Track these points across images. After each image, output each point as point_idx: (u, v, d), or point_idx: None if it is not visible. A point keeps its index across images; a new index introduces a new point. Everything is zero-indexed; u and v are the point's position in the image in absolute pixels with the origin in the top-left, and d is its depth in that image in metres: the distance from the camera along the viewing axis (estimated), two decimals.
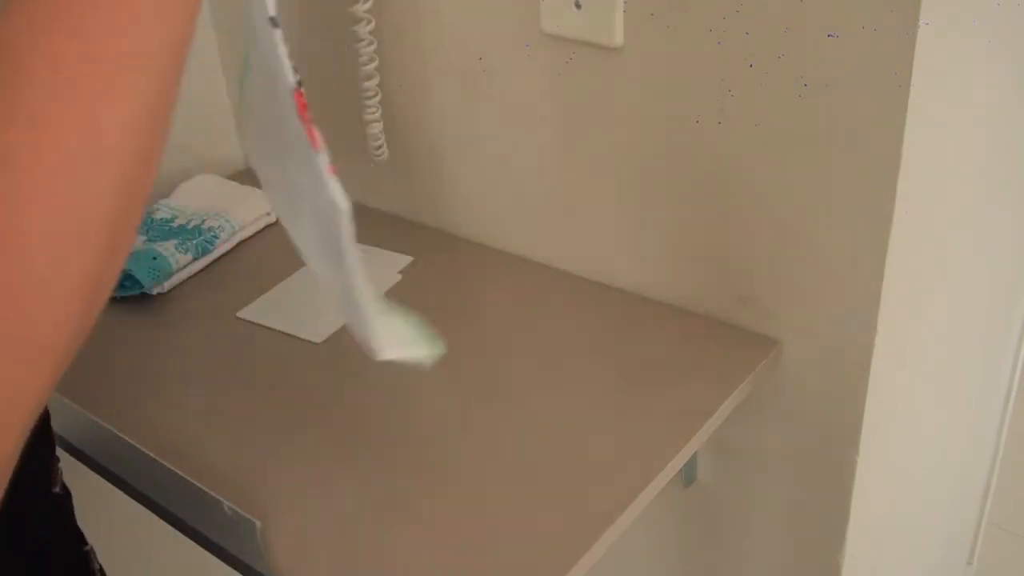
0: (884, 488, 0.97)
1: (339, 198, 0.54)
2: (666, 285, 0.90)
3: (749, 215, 0.81)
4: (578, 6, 0.80)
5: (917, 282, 0.85)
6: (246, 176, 1.18)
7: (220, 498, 0.70)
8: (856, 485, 0.87)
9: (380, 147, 0.98)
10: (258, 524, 0.68)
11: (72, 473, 0.73)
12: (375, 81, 0.94)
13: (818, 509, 0.91)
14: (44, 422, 0.69)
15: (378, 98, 0.95)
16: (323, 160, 0.55)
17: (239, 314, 0.93)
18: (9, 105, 0.35)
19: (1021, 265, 1.19)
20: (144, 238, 1.01)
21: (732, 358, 0.83)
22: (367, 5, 0.90)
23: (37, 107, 0.35)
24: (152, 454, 0.74)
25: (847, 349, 0.81)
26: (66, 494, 0.72)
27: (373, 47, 0.92)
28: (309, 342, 0.88)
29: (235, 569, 0.72)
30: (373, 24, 0.91)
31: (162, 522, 0.77)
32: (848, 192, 0.75)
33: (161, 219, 1.04)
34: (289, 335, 0.90)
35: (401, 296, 0.92)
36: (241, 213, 1.05)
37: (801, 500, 0.92)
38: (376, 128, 0.97)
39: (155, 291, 0.96)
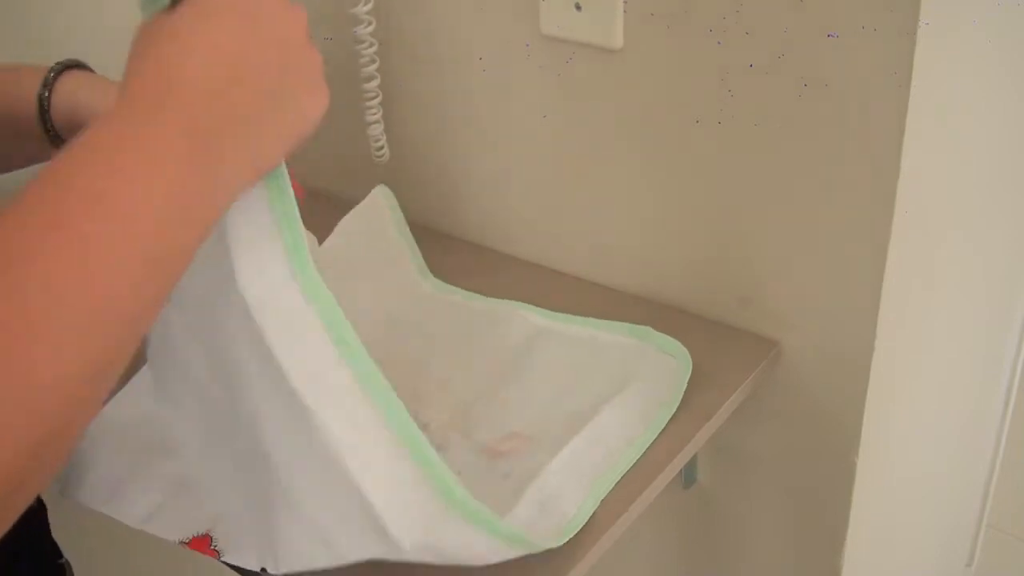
0: (884, 490, 0.97)
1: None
2: (665, 286, 0.89)
3: (749, 215, 0.81)
4: (578, 8, 0.80)
5: (917, 283, 0.85)
6: None
7: None
8: (856, 487, 0.86)
9: (381, 148, 0.98)
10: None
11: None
12: (376, 82, 0.94)
13: (818, 511, 0.91)
14: None
15: (379, 99, 0.95)
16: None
17: None
18: None
19: (1021, 265, 1.19)
20: None
21: (732, 359, 0.82)
22: (368, 7, 0.89)
23: None
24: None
25: (847, 350, 0.80)
26: (40, 507, 0.71)
27: (374, 48, 0.92)
28: None
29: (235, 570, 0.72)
30: (374, 25, 0.91)
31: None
32: (848, 192, 0.74)
33: None
34: None
35: None
36: None
37: (801, 501, 0.91)
38: (377, 129, 0.96)
39: None
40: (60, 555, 0.74)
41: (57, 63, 0.68)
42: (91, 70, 0.70)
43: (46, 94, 0.66)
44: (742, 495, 0.95)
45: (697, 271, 0.87)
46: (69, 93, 0.66)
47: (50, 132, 0.67)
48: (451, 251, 1.00)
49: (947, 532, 1.39)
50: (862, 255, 0.76)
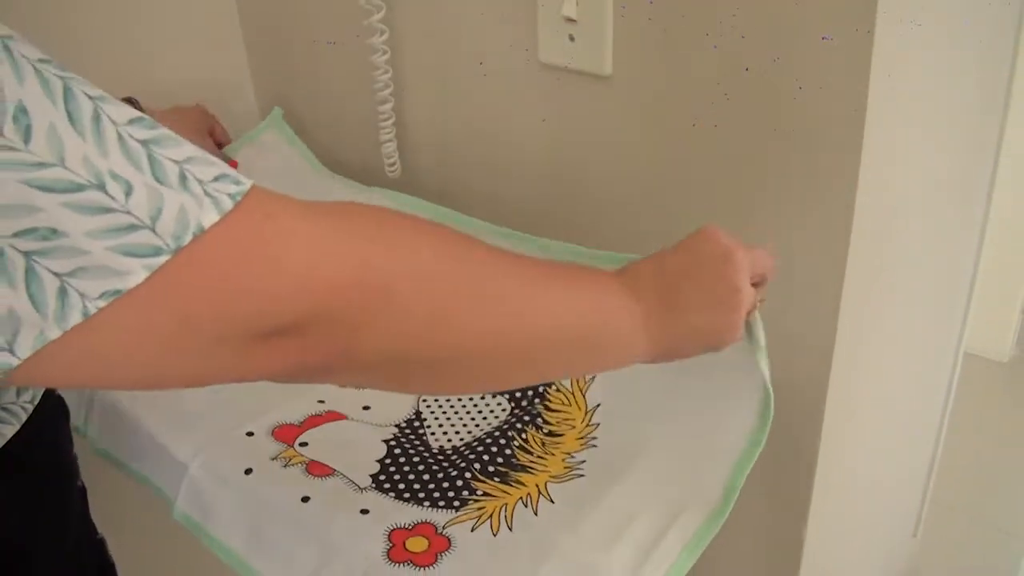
0: (842, 468, 0.99)
1: None
2: None
3: (727, 222, 0.77)
4: (572, 39, 0.82)
5: (875, 281, 0.86)
6: None
7: None
8: (818, 465, 0.88)
9: (393, 165, 1.00)
10: None
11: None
12: (390, 105, 0.96)
13: (784, 488, 0.93)
14: (62, 415, 0.71)
15: (392, 121, 0.97)
16: None
17: None
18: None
19: (966, 261, 1.21)
20: None
21: None
22: (383, 38, 0.92)
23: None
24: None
25: (811, 343, 0.82)
26: (83, 488, 0.74)
27: (388, 75, 0.94)
28: None
29: None
30: (388, 55, 0.94)
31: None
32: (815, 197, 0.75)
33: None
34: None
35: None
36: None
37: (769, 479, 0.93)
38: (390, 148, 0.98)
39: None
40: (96, 532, 0.76)
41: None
42: (140, 104, 0.73)
43: None
44: None
45: None
46: None
47: None
48: None
49: (896, 507, 1.41)
50: (826, 258, 0.77)
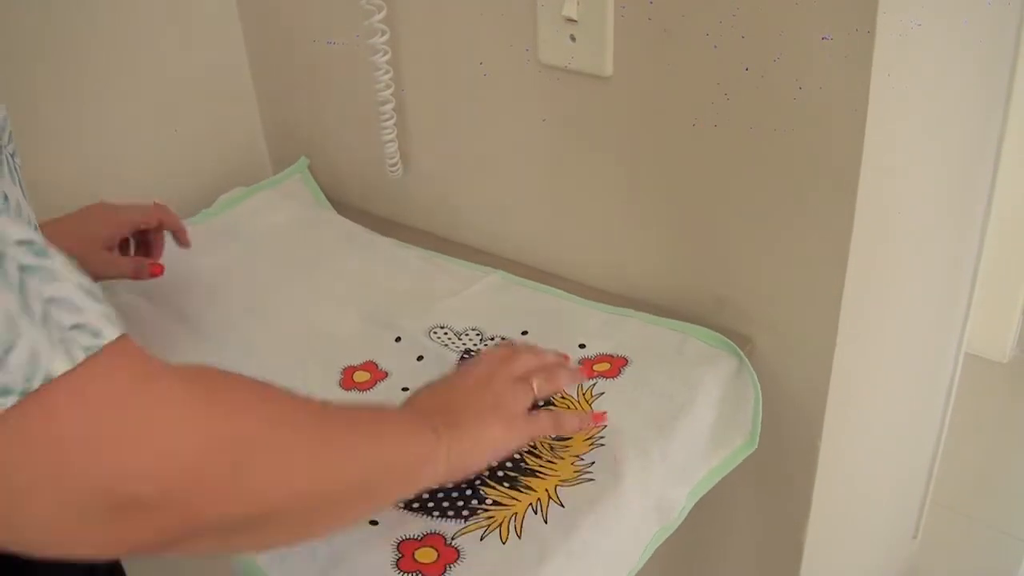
0: (842, 470, 0.99)
1: None
2: (649, 287, 0.91)
3: (726, 223, 0.82)
4: (572, 39, 0.82)
5: (875, 284, 0.87)
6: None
7: None
8: (819, 467, 0.89)
9: (395, 164, 1.01)
10: None
11: None
12: (391, 106, 0.96)
13: (785, 490, 0.93)
14: None
15: (393, 121, 0.97)
16: None
17: None
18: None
19: (966, 262, 1.21)
20: None
21: None
22: (384, 38, 0.93)
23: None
24: None
25: (812, 347, 0.82)
26: None
27: (389, 75, 0.95)
28: None
29: None
30: (389, 55, 0.94)
31: None
32: (816, 200, 0.75)
33: None
34: None
35: None
36: None
37: (770, 482, 0.94)
38: (392, 148, 0.99)
39: None
40: None
41: None
42: None
43: None
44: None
45: (679, 275, 0.89)
46: None
47: None
48: (456, 254, 1.02)
49: (896, 508, 1.40)
50: (826, 259, 0.78)
